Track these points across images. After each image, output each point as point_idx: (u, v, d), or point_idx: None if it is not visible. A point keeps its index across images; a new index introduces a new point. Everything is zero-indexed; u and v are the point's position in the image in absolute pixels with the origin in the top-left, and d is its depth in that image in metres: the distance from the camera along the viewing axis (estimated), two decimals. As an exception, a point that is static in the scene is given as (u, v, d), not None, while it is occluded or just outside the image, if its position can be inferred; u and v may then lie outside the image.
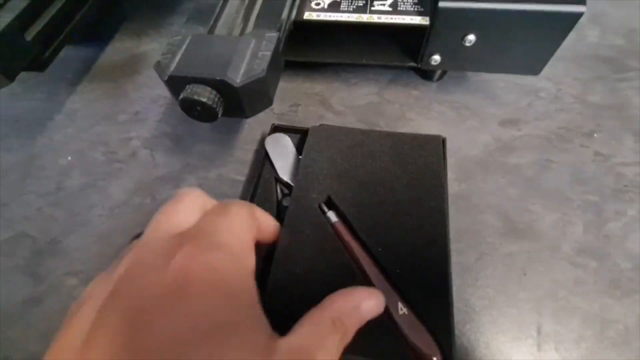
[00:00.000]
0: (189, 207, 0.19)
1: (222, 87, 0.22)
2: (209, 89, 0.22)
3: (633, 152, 0.35)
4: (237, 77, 0.22)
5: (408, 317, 0.23)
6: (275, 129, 0.35)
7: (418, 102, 0.40)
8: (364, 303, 0.20)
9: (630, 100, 0.39)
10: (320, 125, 0.33)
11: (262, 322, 0.16)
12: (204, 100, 0.22)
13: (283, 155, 0.33)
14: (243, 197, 0.34)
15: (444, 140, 0.32)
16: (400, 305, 0.24)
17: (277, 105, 0.41)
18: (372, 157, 0.30)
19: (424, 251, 0.26)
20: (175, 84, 0.23)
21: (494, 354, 0.26)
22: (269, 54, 0.24)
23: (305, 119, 0.40)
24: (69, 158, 0.38)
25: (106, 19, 0.50)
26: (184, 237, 0.16)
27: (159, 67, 0.24)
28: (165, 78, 0.23)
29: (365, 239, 0.26)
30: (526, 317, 0.27)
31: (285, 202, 0.31)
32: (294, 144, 0.34)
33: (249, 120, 0.40)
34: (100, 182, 0.36)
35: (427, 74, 0.41)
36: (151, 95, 0.43)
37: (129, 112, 0.41)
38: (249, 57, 0.24)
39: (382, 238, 0.26)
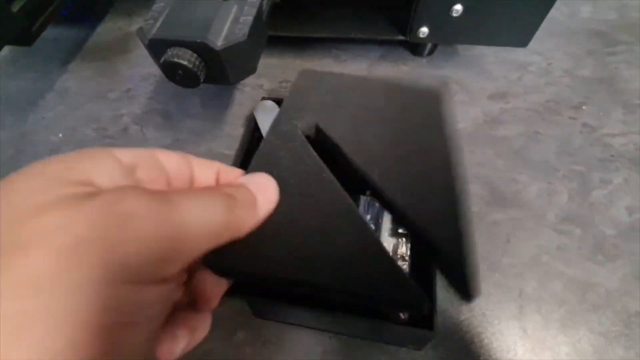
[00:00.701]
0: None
1: (203, 50, 0.23)
2: (189, 52, 0.22)
3: (621, 124, 0.35)
4: (219, 40, 0.23)
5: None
6: (264, 100, 0.35)
7: (408, 77, 0.40)
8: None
9: (620, 73, 0.38)
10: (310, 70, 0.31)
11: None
12: (185, 63, 0.22)
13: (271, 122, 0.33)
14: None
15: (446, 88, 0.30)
16: None
17: (266, 82, 0.41)
18: (367, 98, 0.25)
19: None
20: (157, 47, 0.23)
21: (477, 316, 0.26)
22: (250, 18, 0.24)
23: (295, 95, 0.40)
24: (60, 135, 0.38)
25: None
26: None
27: (141, 32, 0.24)
28: (147, 42, 0.23)
29: (363, 168, 0.23)
30: (509, 281, 0.28)
31: None
32: None
33: (239, 97, 0.40)
34: (91, 158, 0.37)
35: (417, 50, 0.41)
36: (142, 74, 0.43)
37: (120, 89, 0.42)
38: (230, 22, 0.24)
39: (381, 169, 0.22)
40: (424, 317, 0.23)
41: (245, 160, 0.31)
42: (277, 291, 0.25)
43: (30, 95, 0.42)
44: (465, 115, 0.37)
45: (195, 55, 0.23)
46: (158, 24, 0.24)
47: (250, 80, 0.37)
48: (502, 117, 0.36)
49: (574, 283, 0.27)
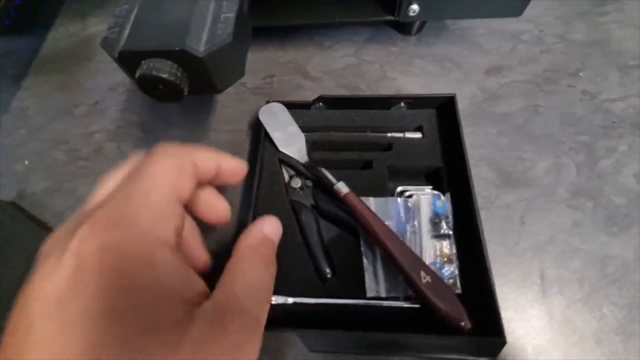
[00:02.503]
0: (117, 175, 0.18)
1: (183, 59, 0.20)
2: (169, 62, 0.19)
3: (619, 87, 0.34)
4: (200, 45, 0.20)
5: (432, 284, 0.22)
6: (270, 103, 0.31)
7: (398, 59, 0.38)
8: (265, 227, 0.20)
9: (612, 34, 0.38)
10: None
11: (168, 301, 0.14)
12: (165, 76, 0.19)
13: (280, 127, 0.30)
14: (248, 186, 0.31)
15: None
16: (422, 273, 0.23)
17: (249, 79, 0.38)
18: None
19: None
20: (129, 60, 0.20)
21: (501, 305, 0.26)
22: (232, 15, 0.21)
23: (281, 90, 0.37)
24: (26, 162, 0.34)
25: (43, 2, 0.44)
26: (84, 215, 0.14)
27: (107, 44, 0.21)
28: (116, 55, 0.20)
29: None
30: (529, 265, 0.27)
31: (293, 184, 0.29)
32: (295, 120, 0.31)
33: (221, 98, 0.37)
34: (66, 184, 0.33)
35: (405, 28, 0.39)
36: (108, 83, 0.39)
37: (86, 103, 0.38)
38: (210, 22, 0.20)
39: None
40: (490, 323, 0.21)
41: (260, 178, 0.29)
42: (330, 321, 0.23)
43: (-16, 121, 0.37)
44: (462, 94, 0.35)
45: (175, 65, 0.19)
46: (126, 32, 0.20)
47: (231, 79, 0.34)
48: (500, 92, 0.35)
49: (591, 258, 0.27)
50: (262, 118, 0.30)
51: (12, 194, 0.33)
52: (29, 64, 0.41)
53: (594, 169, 0.30)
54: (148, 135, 0.35)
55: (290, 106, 0.31)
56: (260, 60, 0.38)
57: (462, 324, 0.21)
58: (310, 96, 0.32)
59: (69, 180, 0.33)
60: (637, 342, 0.24)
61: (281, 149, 0.29)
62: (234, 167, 0.20)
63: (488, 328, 0.21)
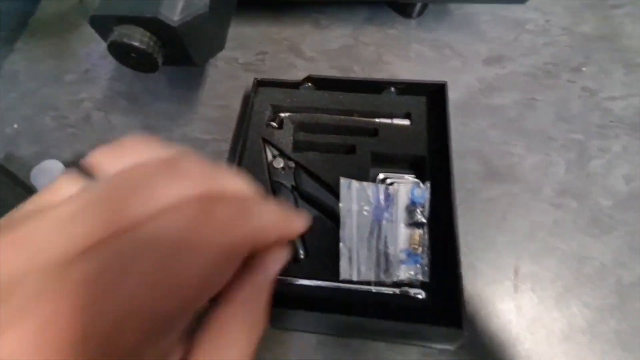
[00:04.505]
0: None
1: (157, 27, 0.19)
2: (141, 30, 0.19)
3: (622, 85, 0.33)
4: (174, 14, 0.19)
5: None
6: (259, 83, 0.31)
7: (396, 43, 0.37)
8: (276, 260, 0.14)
9: (623, 28, 0.36)
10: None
11: None
12: (137, 44, 0.19)
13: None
14: (229, 160, 0.31)
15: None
16: None
17: (241, 54, 0.37)
18: None
19: None
20: (101, 25, 0.20)
21: (471, 298, 0.26)
22: (211, -17, 0.20)
23: (274, 67, 0.36)
24: (15, 125, 0.35)
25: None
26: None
27: (82, 6, 0.20)
28: (88, 19, 0.19)
29: None
30: (504, 260, 0.27)
31: (275, 164, 0.29)
32: (280, 98, 0.30)
33: (212, 73, 0.36)
34: (53, 150, 0.33)
35: (406, 11, 0.37)
36: (101, 51, 0.38)
37: (77, 70, 0.37)
38: (187, -11, 0.20)
39: None
40: (453, 314, 0.22)
41: (242, 156, 0.28)
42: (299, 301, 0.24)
43: (-25, 82, 0.37)
44: (458, 83, 0.34)
45: (148, 33, 0.19)
46: (100, -4, 0.20)
47: (222, 53, 0.33)
48: (497, 83, 0.34)
49: (569, 258, 0.27)
50: (34, 181, 0.30)
51: (0, 156, 0.33)
52: (23, 26, 0.40)
53: (584, 168, 0.30)
54: (135, 106, 0.35)
55: (279, 85, 0.31)
56: (254, 35, 0.38)
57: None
58: (302, 76, 0.31)
59: (56, 146, 0.34)
60: (603, 343, 0.24)
61: None
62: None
63: (450, 318, 0.21)
